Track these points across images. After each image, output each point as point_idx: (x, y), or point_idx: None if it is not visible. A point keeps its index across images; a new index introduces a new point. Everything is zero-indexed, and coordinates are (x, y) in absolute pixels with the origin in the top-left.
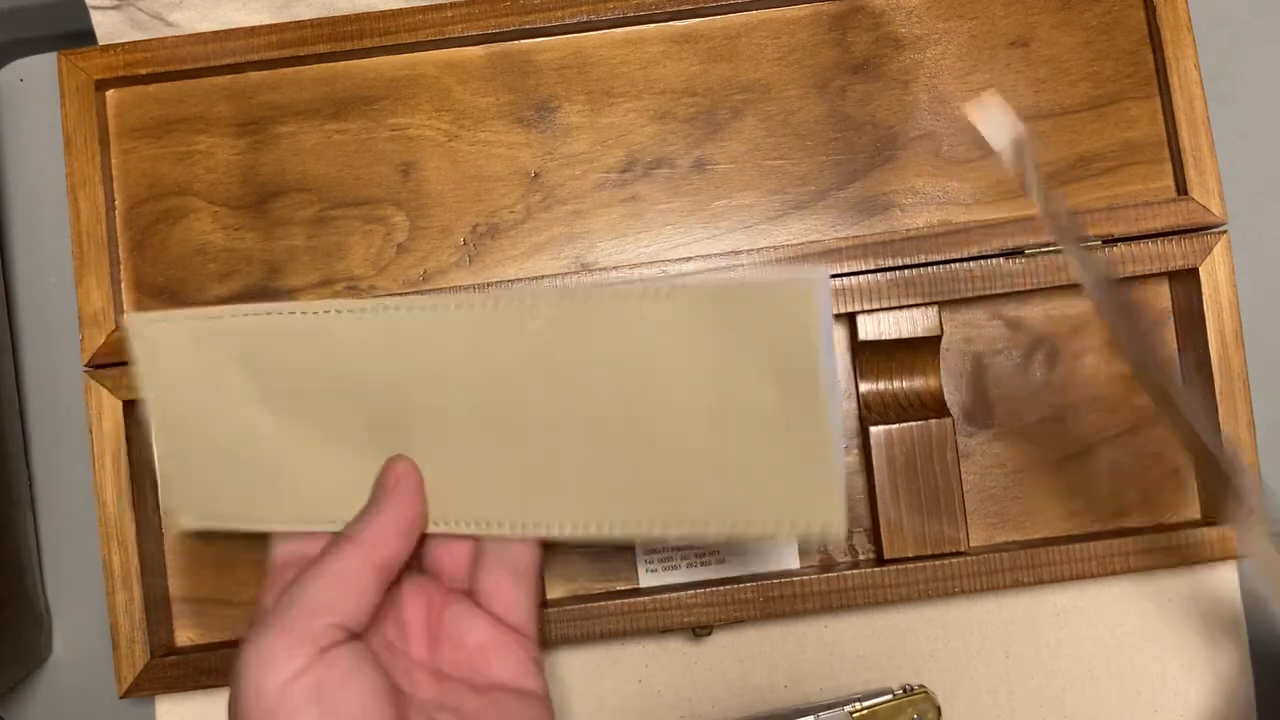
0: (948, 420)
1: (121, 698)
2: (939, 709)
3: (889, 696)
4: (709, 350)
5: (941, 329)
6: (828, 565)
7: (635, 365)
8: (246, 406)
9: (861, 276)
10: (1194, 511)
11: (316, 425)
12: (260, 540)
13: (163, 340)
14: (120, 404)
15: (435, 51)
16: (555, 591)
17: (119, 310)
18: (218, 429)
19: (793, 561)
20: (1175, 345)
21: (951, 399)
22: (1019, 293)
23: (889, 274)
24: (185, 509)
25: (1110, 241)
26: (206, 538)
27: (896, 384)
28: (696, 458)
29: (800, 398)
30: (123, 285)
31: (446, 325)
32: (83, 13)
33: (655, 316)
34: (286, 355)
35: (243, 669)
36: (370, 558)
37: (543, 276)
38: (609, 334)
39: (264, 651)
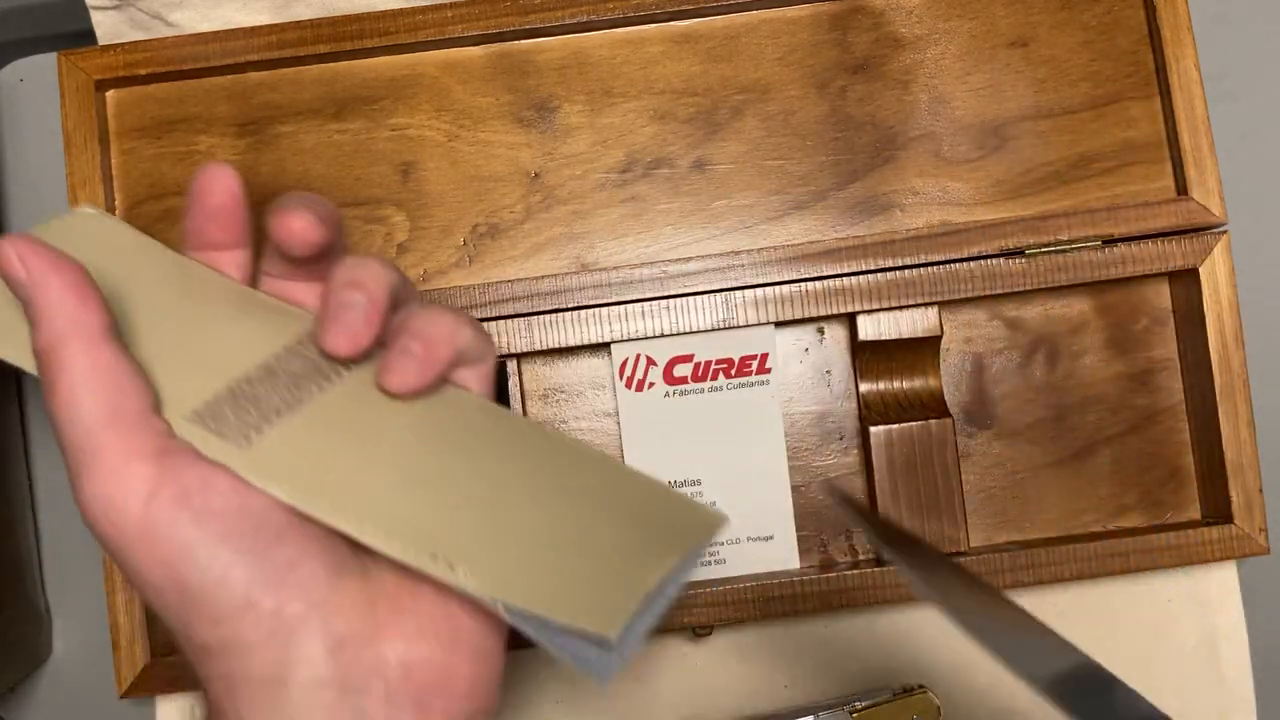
0: (948, 420)
1: (121, 698)
2: (939, 709)
3: (889, 696)
4: (604, 490)
5: (941, 329)
6: (828, 565)
7: (523, 452)
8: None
9: (861, 276)
10: (1194, 511)
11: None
12: None
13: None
14: None
15: (435, 51)
16: None
17: None
18: None
19: (793, 562)
20: (1176, 345)
21: (951, 399)
22: (1019, 293)
23: (889, 274)
24: None
25: (1110, 241)
26: None
27: (896, 384)
28: (528, 533)
29: (654, 556)
30: None
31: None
32: (83, 13)
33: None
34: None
35: (92, 519)
36: (93, 338)
37: (543, 276)
38: (524, 438)
39: (100, 489)
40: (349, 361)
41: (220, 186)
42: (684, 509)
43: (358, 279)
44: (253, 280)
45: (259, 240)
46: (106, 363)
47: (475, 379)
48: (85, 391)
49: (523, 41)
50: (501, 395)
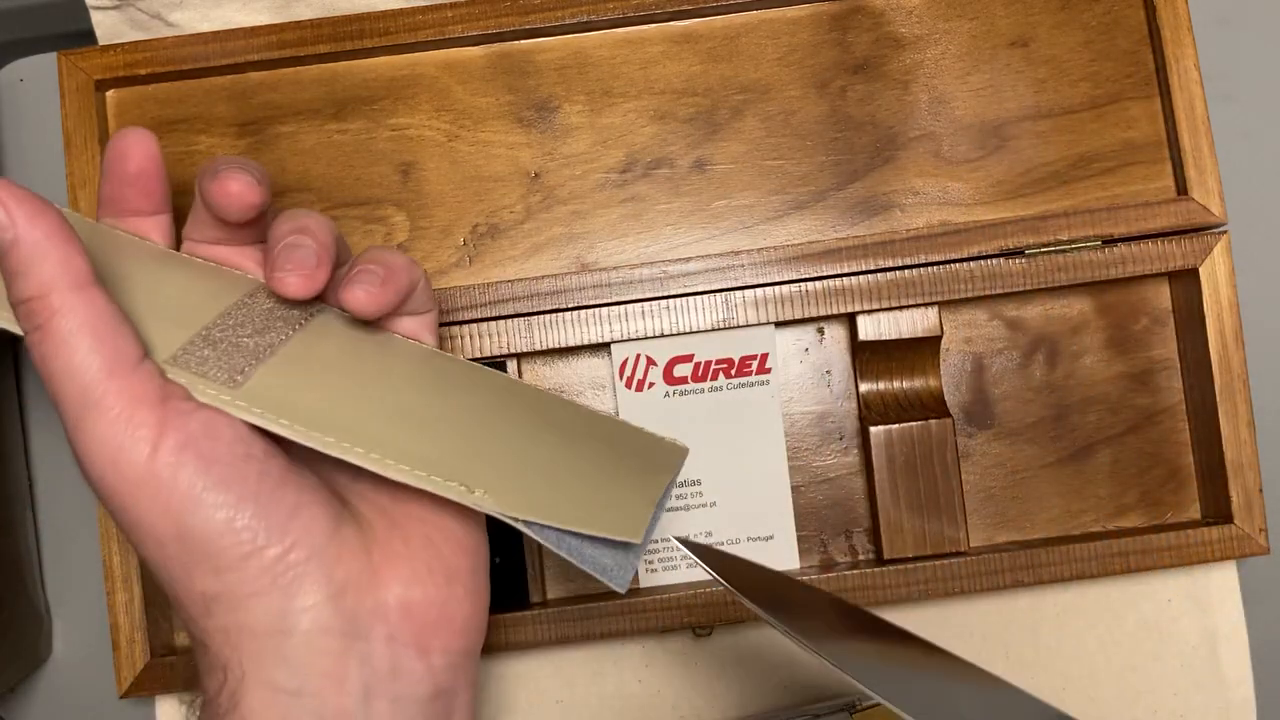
0: (948, 420)
1: (121, 698)
2: None
3: None
4: (581, 424)
5: (941, 329)
6: (828, 565)
7: (516, 398)
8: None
9: (861, 276)
10: (1194, 511)
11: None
12: None
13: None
14: None
15: (435, 51)
16: (555, 591)
17: None
18: None
19: (793, 562)
20: (1176, 345)
21: (951, 399)
22: (1019, 293)
23: (889, 274)
24: None
25: (1110, 241)
26: None
27: (896, 384)
28: (536, 460)
29: (649, 474)
30: None
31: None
32: (83, 13)
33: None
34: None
35: (97, 470)
36: (84, 283)
37: (543, 277)
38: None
39: (106, 438)
40: (306, 308)
41: (139, 151)
42: (651, 440)
43: (303, 225)
44: (175, 246)
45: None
46: (101, 308)
47: (425, 329)
48: (82, 339)
49: (523, 41)
50: None
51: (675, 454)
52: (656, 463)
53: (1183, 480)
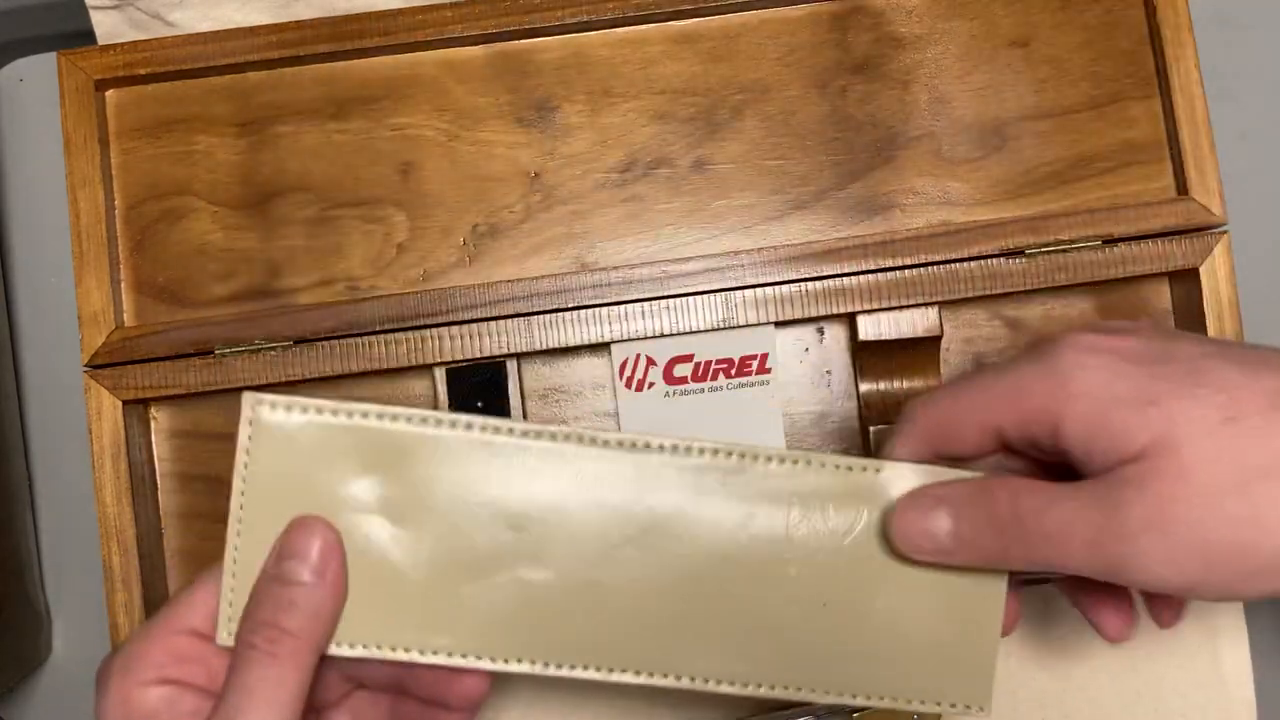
0: None
1: None
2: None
3: None
4: (877, 522)
5: (941, 329)
6: None
7: (803, 528)
8: (365, 518)
9: (861, 276)
10: None
11: (451, 551)
12: None
13: (282, 430)
14: (120, 404)
15: (435, 51)
16: None
17: (119, 310)
18: None
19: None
20: None
21: None
22: (1019, 293)
23: (889, 274)
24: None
25: (1110, 241)
26: (206, 536)
27: (896, 384)
28: (852, 624)
29: (980, 578)
30: (122, 285)
31: (637, 471)
32: (83, 13)
33: (835, 486)
34: (437, 471)
35: None
36: (317, 651)
37: (542, 276)
38: (786, 499)
39: None
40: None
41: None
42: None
43: None
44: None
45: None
46: (305, 682)
47: None
48: (269, 688)
49: (523, 41)
50: (501, 395)
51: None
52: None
53: None
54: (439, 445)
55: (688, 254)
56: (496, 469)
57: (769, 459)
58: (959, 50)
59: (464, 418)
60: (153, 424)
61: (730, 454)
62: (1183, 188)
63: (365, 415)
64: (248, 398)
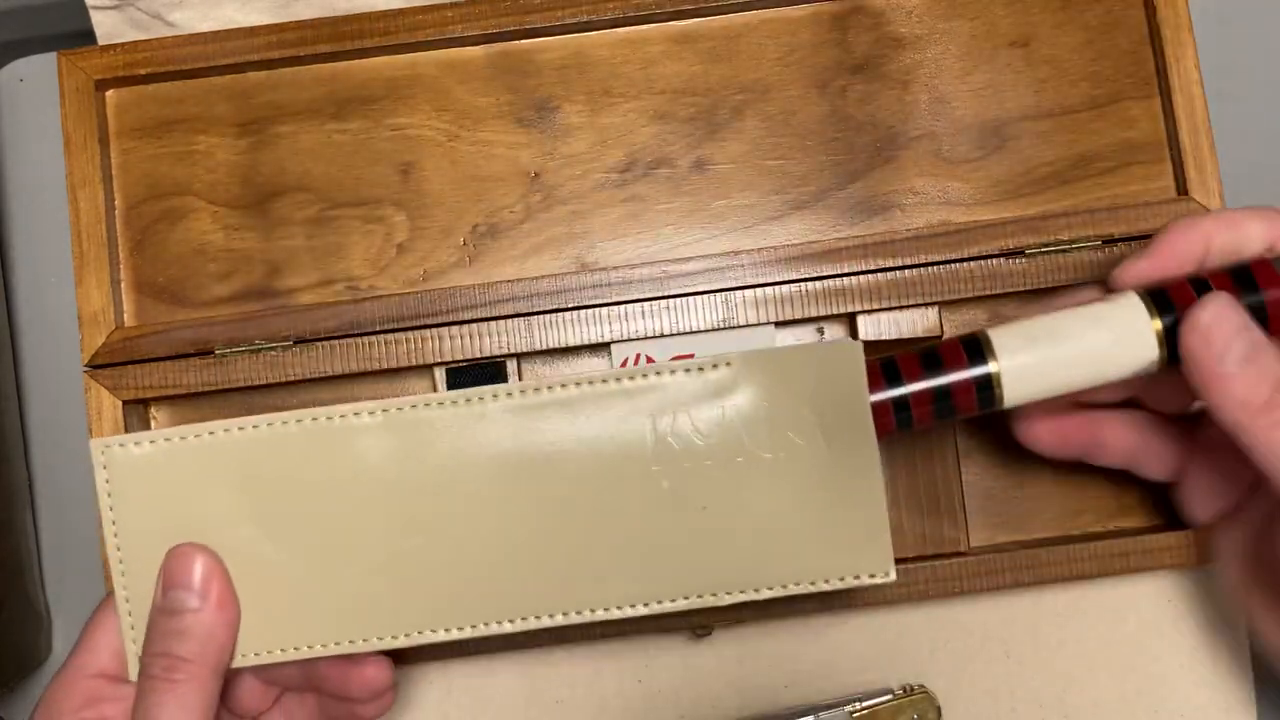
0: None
1: None
2: (939, 709)
3: (889, 696)
4: (746, 417)
5: (941, 329)
6: None
7: (668, 445)
8: (237, 530)
9: (861, 276)
10: None
11: (324, 542)
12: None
13: (136, 466)
14: (120, 404)
15: (435, 51)
16: None
17: (119, 310)
18: None
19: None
20: None
21: None
22: (1019, 293)
23: (889, 274)
24: None
25: (1110, 241)
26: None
27: None
28: (736, 526)
29: (851, 450)
30: (123, 285)
31: (476, 421)
32: (83, 13)
33: (696, 392)
34: (289, 469)
35: None
36: (218, 675)
37: (543, 276)
38: (649, 413)
39: None
40: None
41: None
42: (813, 362)
43: None
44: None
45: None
46: (211, 703)
47: None
48: (179, 713)
49: (523, 41)
50: None
51: (848, 377)
52: (832, 412)
53: None
54: (283, 443)
55: (688, 254)
56: (342, 453)
57: (617, 379)
58: (959, 50)
59: (293, 414)
60: (153, 424)
61: (573, 384)
62: (1183, 188)
63: (210, 433)
64: (95, 444)
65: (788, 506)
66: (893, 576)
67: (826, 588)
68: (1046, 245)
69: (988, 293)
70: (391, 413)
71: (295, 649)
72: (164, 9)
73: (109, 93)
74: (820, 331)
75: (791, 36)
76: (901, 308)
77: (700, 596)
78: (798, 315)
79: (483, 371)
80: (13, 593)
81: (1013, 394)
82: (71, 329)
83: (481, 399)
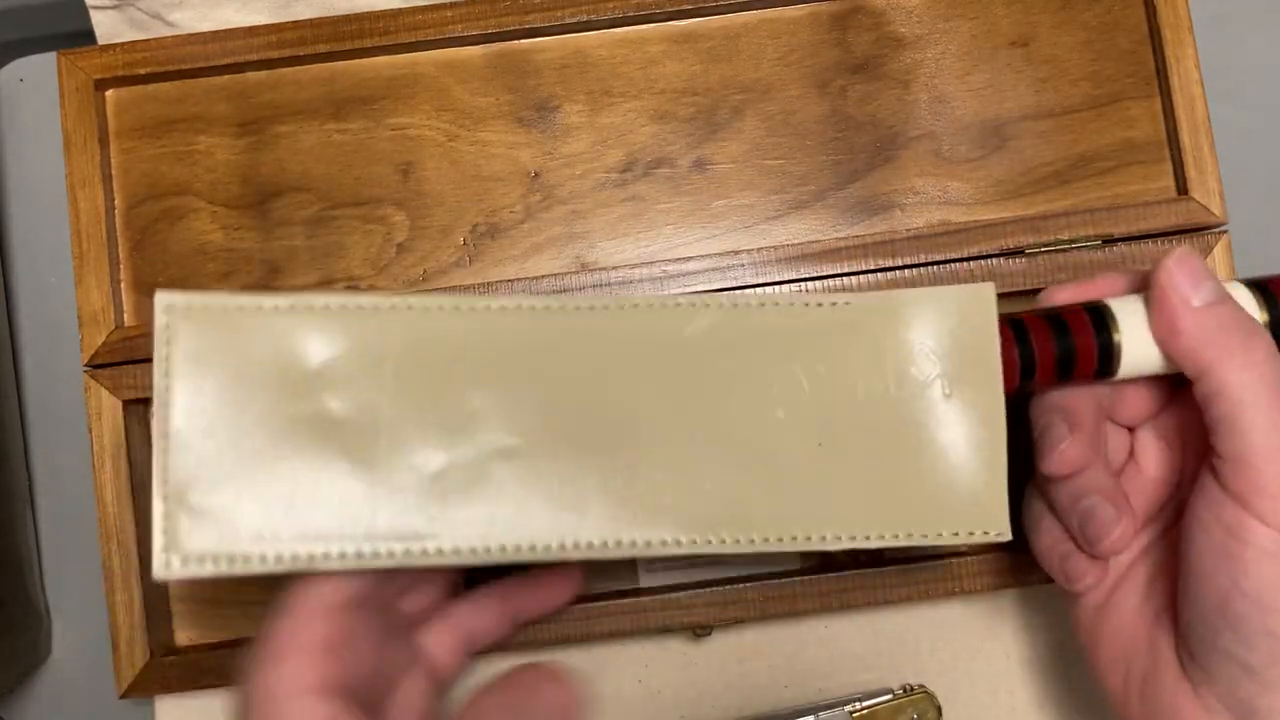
0: None
1: (121, 698)
2: (939, 709)
3: (889, 696)
4: (871, 359)
5: None
6: (828, 565)
7: (789, 375)
8: (306, 403)
9: (861, 276)
10: None
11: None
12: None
13: (211, 323)
14: (120, 404)
15: (435, 51)
16: None
17: (119, 310)
18: (264, 436)
19: (794, 561)
20: None
21: None
22: (1019, 293)
23: (889, 274)
24: (195, 541)
25: (1110, 241)
26: None
27: None
28: (851, 466)
29: (975, 401)
30: (122, 285)
31: (594, 325)
32: (83, 13)
33: (815, 325)
34: (377, 351)
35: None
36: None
37: (543, 276)
38: (767, 343)
39: None
40: None
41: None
42: (943, 306)
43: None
44: None
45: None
46: None
47: None
48: None
49: (523, 41)
50: None
51: (981, 328)
52: (958, 360)
53: None
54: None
55: (688, 254)
56: (494, 342)
57: (760, 304)
58: (959, 50)
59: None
60: (153, 424)
61: (708, 305)
62: (1183, 188)
63: (299, 306)
64: (163, 297)
65: (903, 453)
66: (1007, 535)
67: (939, 542)
68: (1046, 245)
69: None
70: (554, 308)
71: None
72: (164, 9)
73: (109, 92)
74: None
75: (791, 36)
76: None
77: (809, 539)
78: None
79: None
80: (13, 593)
81: (1128, 365)
82: (71, 329)
83: (625, 307)
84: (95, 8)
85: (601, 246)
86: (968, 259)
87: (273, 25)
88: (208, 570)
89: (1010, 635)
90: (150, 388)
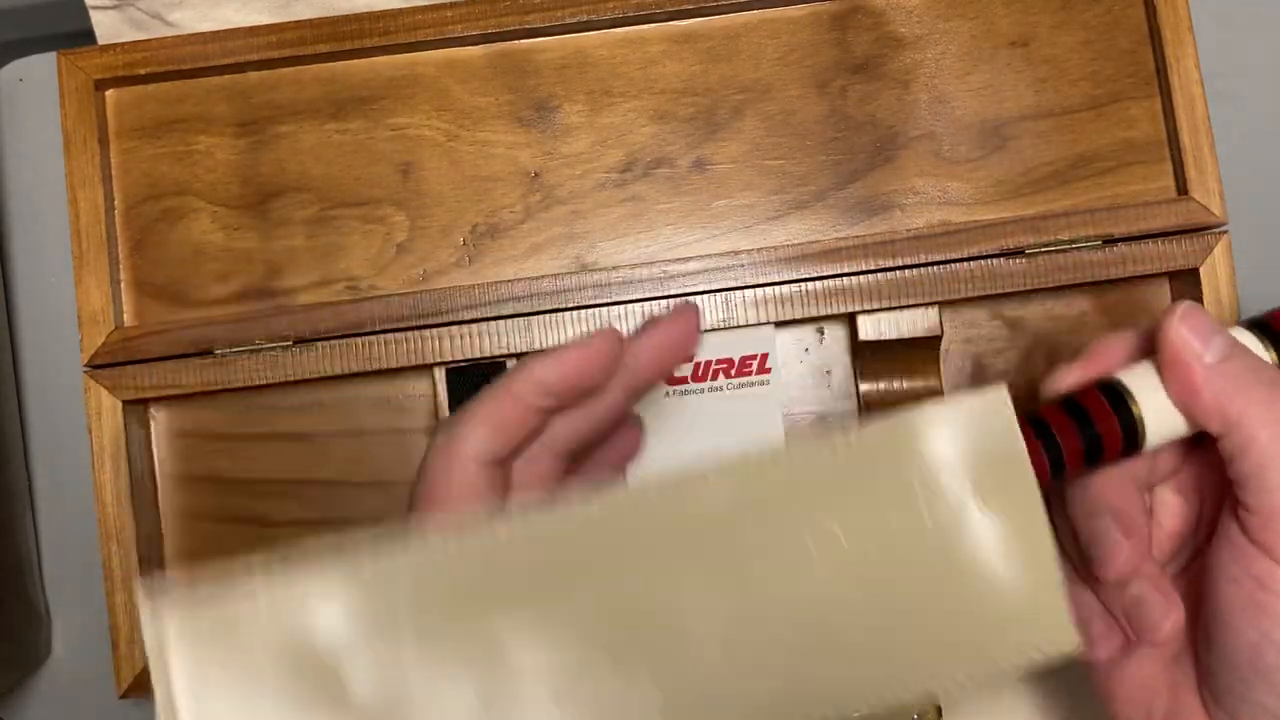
0: None
1: (121, 698)
2: (939, 709)
3: None
4: (900, 493)
5: (941, 329)
6: None
7: (822, 531)
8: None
9: (861, 276)
10: None
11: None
12: (261, 537)
13: (217, 633)
14: (120, 404)
15: (435, 51)
16: None
17: (119, 310)
18: None
19: None
20: None
21: None
22: (1019, 293)
23: (889, 274)
24: None
25: (1110, 241)
26: (206, 536)
27: (896, 384)
28: (905, 613)
29: (1012, 510)
30: (122, 285)
31: (608, 528)
32: (83, 13)
33: (834, 471)
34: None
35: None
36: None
37: (543, 276)
38: (791, 503)
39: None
40: None
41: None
42: (959, 421)
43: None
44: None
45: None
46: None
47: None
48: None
49: (523, 41)
50: None
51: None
52: (983, 471)
53: None
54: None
55: (688, 254)
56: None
57: (765, 463)
58: (959, 50)
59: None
60: (152, 424)
61: (718, 476)
62: (1183, 188)
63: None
64: (150, 614)
65: (953, 584)
66: (1077, 647)
67: (1008, 668)
68: (1046, 245)
69: (988, 293)
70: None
71: None
72: (164, 9)
73: (109, 93)
74: (820, 332)
75: (791, 36)
76: (901, 308)
77: (881, 699)
78: (798, 315)
79: (483, 372)
80: (13, 593)
81: (1153, 437)
82: (71, 329)
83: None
84: (95, 8)
85: (601, 247)
86: (968, 259)
87: (273, 25)
88: None
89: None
90: (150, 388)
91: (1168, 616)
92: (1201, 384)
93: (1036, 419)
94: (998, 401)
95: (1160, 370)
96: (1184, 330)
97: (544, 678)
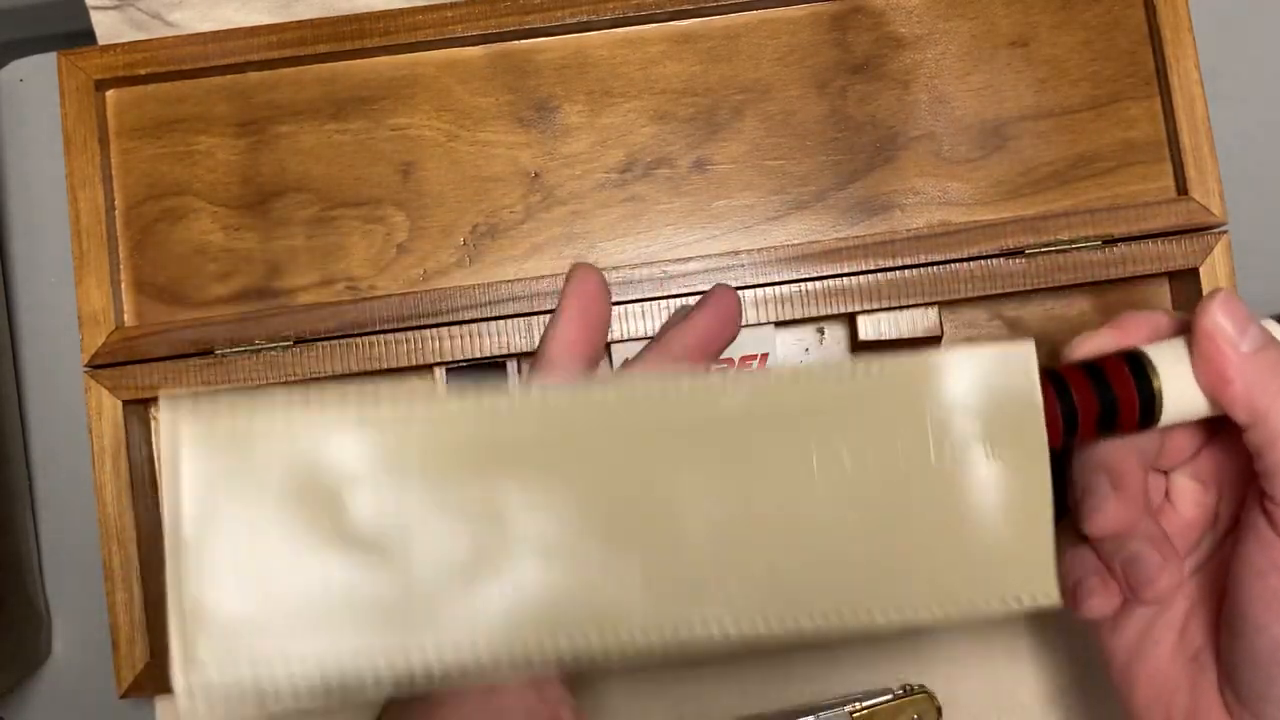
0: None
1: (121, 698)
2: (939, 709)
3: (889, 696)
4: (911, 426)
5: (941, 329)
6: None
7: (828, 450)
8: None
9: (861, 276)
10: None
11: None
12: None
13: (220, 427)
14: (120, 404)
15: (435, 51)
16: None
17: (119, 310)
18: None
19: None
20: None
21: None
22: (1019, 293)
23: (889, 274)
24: (219, 652)
25: (1110, 241)
26: None
27: None
28: (896, 541)
29: (1019, 462)
30: (122, 285)
31: (623, 410)
32: (83, 13)
33: (851, 396)
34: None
35: None
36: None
37: (543, 276)
38: (803, 418)
39: None
40: None
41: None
42: (982, 369)
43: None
44: None
45: None
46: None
47: None
48: None
49: (523, 41)
50: None
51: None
52: (997, 420)
53: None
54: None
55: (688, 254)
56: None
57: (785, 378)
58: (959, 50)
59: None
60: (153, 424)
61: (740, 380)
62: (1183, 188)
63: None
64: (168, 401)
65: (948, 522)
66: (1056, 600)
67: (988, 610)
68: (1046, 245)
69: (988, 293)
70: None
71: None
72: (164, 9)
73: (109, 93)
74: (820, 332)
75: (791, 36)
76: (901, 308)
77: (858, 618)
78: (798, 315)
79: (482, 372)
80: (13, 593)
81: (1170, 413)
82: (71, 329)
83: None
84: (95, 8)
85: (601, 247)
86: (968, 259)
87: (273, 25)
88: (234, 706)
89: (1011, 635)
90: (150, 388)
91: (1163, 571)
92: (1234, 371)
93: (1057, 375)
94: (1024, 352)
95: (1191, 351)
96: (1221, 316)
97: (537, 543)
